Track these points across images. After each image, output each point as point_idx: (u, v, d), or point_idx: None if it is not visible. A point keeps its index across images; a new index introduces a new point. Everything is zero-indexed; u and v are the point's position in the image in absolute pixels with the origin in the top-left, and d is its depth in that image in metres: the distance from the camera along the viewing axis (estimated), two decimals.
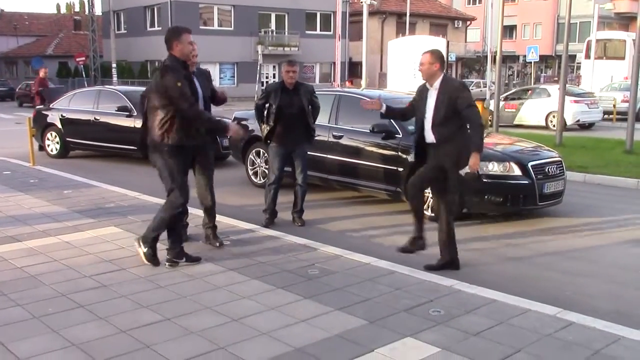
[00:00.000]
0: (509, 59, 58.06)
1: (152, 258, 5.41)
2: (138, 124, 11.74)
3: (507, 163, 7.49)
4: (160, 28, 39.35)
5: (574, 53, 41.45)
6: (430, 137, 5.66)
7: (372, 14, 42.91)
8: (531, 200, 7.56)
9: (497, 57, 15.52)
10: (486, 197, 7.43)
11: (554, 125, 19.56)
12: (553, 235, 7.17)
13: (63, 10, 78.09)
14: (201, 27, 38.04)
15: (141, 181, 9.91)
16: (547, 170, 7.70)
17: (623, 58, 28.40)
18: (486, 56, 24.06)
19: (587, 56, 29.82)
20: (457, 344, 3.88)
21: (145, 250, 5.40)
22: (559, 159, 8.13)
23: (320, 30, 43.34)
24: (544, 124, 19.79)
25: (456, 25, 53.49)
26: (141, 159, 12.30)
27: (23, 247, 5.95)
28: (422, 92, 5.80)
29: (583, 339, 3.96)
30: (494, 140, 8.76)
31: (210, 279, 5.07)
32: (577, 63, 42.45)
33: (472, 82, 40.48)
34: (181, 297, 4.65)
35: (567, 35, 14.46)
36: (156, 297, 4.62)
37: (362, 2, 20.05)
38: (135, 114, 11.91)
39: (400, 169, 7.83)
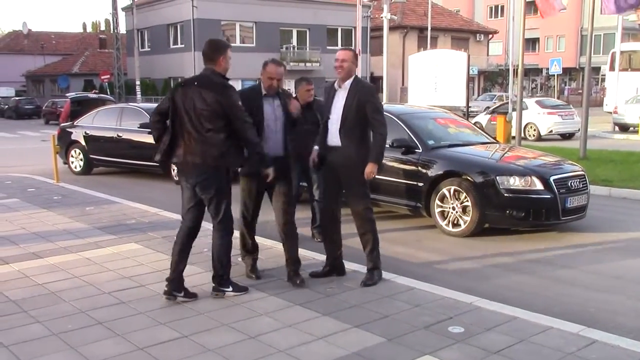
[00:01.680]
0: (532, 71, 57.71)
1: (239, 286, 5.15)
2: None
3: (529, 177, 7.39)
4: (183, 45, 39.86)
5: (599, 65, 41.10)
6: (334, 140, 5.46)
7: (393, 28, 42.97)
8: (554, 215, 7.44)
9: (519, 70, 15.39)
10: (508, 211, 7.32)
11: (530, 136, 21.37)
12: (576, 250, 7.04)
13: (89, 29, 79.46)
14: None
15: (162, 197, 9.98)
16: (569, 184, 7.58)
17: None
18: (509, 69, 23.91)
19: (612, 68, 29.48)
20: None
21: (230, 289, 5.07)
22: (582, 172, 8.00)
23: (342, 46, 43.47)
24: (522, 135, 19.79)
25: (478, 39, 53.30)
26: (162, 175, 12.64)
27: (44, 263, 6.01)
28: (329, 92, 5.63)
29: (607, 357, 3.87)
30: (516, 154, 8.70)
31: (227, 296, 5.06)
32: (602, 75, 42.05)
33: (495, 95, 40.27)
34: (199, 314, 4.64)
35: (590, 47, 14.34)
36: (174, 314, 4.62)
37: (382, 17, 20.09)
38: None
39: (421, 184, 7.79)
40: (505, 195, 7.29)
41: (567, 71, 53.56)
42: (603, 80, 39.05)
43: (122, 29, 44.49)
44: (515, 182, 7.35)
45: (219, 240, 5.01)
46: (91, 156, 13.34)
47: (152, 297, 5.03)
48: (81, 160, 13.50)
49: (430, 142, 8.11)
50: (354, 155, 5.39)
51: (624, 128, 24.62)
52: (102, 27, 75.39)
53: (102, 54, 53.13)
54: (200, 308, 4.76)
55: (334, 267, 5.67)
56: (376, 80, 43.20)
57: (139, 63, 37.33)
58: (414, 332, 4.30)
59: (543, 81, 59.47)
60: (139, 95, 36.11)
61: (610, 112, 25.98)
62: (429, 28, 39.17)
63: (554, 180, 7.44)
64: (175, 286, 4.92)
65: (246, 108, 5.10)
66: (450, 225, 7.61)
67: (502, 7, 59.35)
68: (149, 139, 12.55)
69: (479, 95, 42.43)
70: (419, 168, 7.86)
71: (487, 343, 4.10)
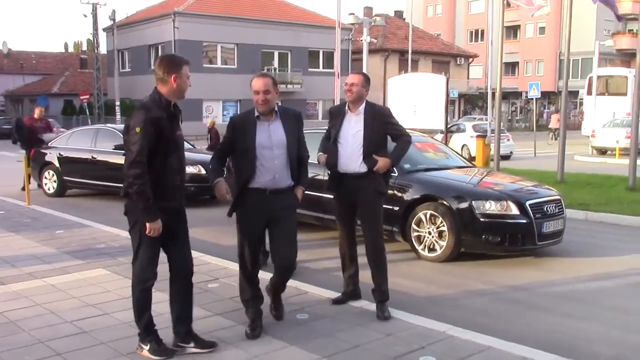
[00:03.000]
0: (511, 95, 58.33)
1: (160, 350, 4.27)
2: None
3: (505, 202, 7.33)
4: None
5: (577, 89, 41.62)
6: (353, 166, 5.22)
7: (374, 51, 43.30)
8: (530, 240, 7.38)
9: (497, 94, 15.48)
10: (484, 236, 7.25)
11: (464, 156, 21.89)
12: (553, 275, 6.97)
13: (71, 49, 79.24)
14: (205, 65, 38.43)
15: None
16: (545, 209, 7.54)
17: (625, 94, 28.36)
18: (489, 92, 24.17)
19: (589, 92, 29.88)
20: None
21: (147, 347, 4.26)
22: (558, 197, 7.97)
23: (323, 68, 43.66)
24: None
25: (458, 62, 53.88)
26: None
27: (7, 290, 5.80)
28: (337, 115, 5.40)
29: None
30: (493, 179, 8.65)
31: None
32: (580, 99, 42.57)
33: (475, 118, 40.57)
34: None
35: (566, 72, 14.46)
36: (136, 344, 4.45)
37: (362, 40, 20.16)
38: None
39: (396, 208, 7.68)
40: (481, 220, 7.22)
41: (546, 95, 54.21)
42: (581, 104, 39.54)
43: (103, 49, 44.35)
44: (491, 207, 7.29)
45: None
46: (65, 178, 13.10)
47: (115, 326, 4.86)
48: (54, 182, 13.26)
49: (406, 166, 7.99)
50: (378, 183, 5.25)
51: (602, 152, 24.86)
52: (84, 47, 75.17)
53: (82, 74, 52.84)
54: (163, 336, 4.59)
55: (354, 294, 5.52)
56: None
57: (119, 83, 37.17)
58: None
59: (522, 104, 60.12)
60: (118, 116, 35.88)
61: (588, 136, 26.25)
62: (410, 51, 39.46)
63: (530, 204, 7.38)
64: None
65: (235, 135, 4.67)
66: (427, 250, 7.52)
67: (482, 31, 60.09)
68: (123, 160, 12.43)
69: (459, 118, 42.68)
70: (395, 192, 7.74)
71: None
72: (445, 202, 7.43)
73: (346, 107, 5.35)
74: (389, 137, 5.44)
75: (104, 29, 44.56)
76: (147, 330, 4.29)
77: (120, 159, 12.16)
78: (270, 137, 4.63)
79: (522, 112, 60.20)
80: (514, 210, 7.30)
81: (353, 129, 5.25)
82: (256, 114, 4.70)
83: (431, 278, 6.81)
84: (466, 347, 4.45)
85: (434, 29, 63.31)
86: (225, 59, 41.00)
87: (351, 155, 5.23)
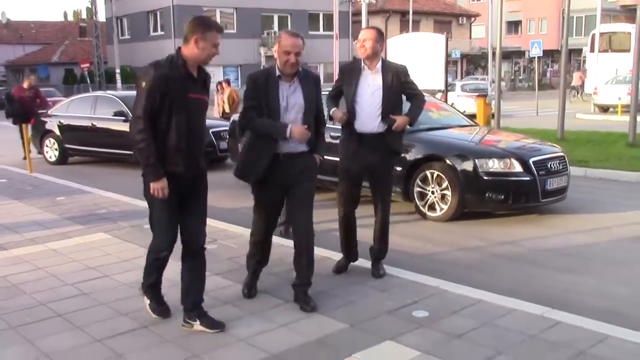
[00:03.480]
0: (514, 54, 57.73)
1: (158, 310, 4.29)
2: None
3: (508, 159, 7.32)
4: (163, 33, 39.46)
5: (580, 47, 41.20)
6: (371, 126, 5.03)
7: (375, 12, 42.82)
8: (533, 197, 7.38)
9: (497, 54, 15.35)
10: (487, 195, 7.24)
11: None
12: (550, 231, 7.03)
13: (70, 17, 78.41)
14: None
15: (136, 186, 9.83)
16: (549, 166, 7.52)
17: (628, 50, 27.99)
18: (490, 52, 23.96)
19: (592, 49, 29.58)
20: (438, 346, 3.79)
21: (148, 302, 4.30)
22: (562, 154, 7.95)
23: (324, 31, 43.25)
24: None
25: (460, 22, 53.27)
26: (137, 163, 12.40)
27: (9, 255, 5.89)
28: (353, 74, 5.13)
29: (568, 338, 3.85)
30: (496, 137, 8.63)
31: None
32: (583, 57, 42.12)
33: (478, 78, 40.28)
34: None
35: (567, 28, 14.31)
36: (137, 305, 4.53)
37: (361, 1, 19.96)
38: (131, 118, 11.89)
39: (399, 168, 7.57)
40: (485, 178, 7.22)
41: (549, 53, 53.64)
42: (584, 62, 39.13)
43: (102, 17, 44.00)
44: (495, 165, 7.28)
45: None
46: (66, 146, 13.16)
47: (115, 287, 4.95)
48: (56, 150, 13.33)
49: (408, 126, 7.97)
50: (397, 138, 5.15)
51: (604, 109, 24.73)
52: (84, 16, 74.36)
53: (82, 43, 52.42)
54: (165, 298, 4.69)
55: (354, 258, 5.42)
56: None
57: (119, 51, 36.92)
58: (378, 318, 4.26)
59: (525, 63, 59.57)
60: (119, 84, 35.75)
61: (591, 94, 26.08)
62: (411, 12, 39.01)
63: (533, 162, 7.37)
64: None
65: (254, 95, 4.40)
66: (430, 209, 7.54)
67: None
68: (124, 127, 12.48)
69: (462, 78, 42.37)
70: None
71: (450, 327, 4.07)
72: (448, 161, 7.40)
73: (362, 64, 5.09)
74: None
75: None
76: (150, 289, 4.25)
77: (119, 126, 12.30)
78: (289, 99, 4.40)
79: (525, 71, 59.69)
80: (518, 167, 7.29)
81: (371, 87, 5.04)
82: (277, 73, 4.38)
83: (429, 236, 6.89)
84: (458, 301, 4.53)
85: None
86: (224, 24, 40.53)
87: (370, 114, 5.03)
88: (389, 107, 5.03)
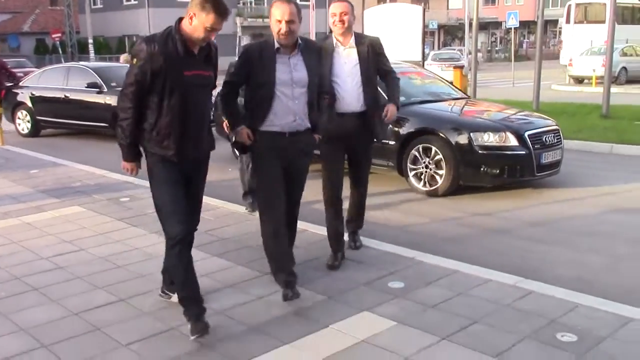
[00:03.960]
0: (491, 25, 57.78)
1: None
2: (109, 100, 11.66)
3: (503, 133, 7.23)
4: (137, 2, 38.77)
5: (556, 18, 41.34)
6: (354, 105, 4.72)
7: None
8: (529, 171, 7.32)
9: (474, 24, 15.36)
10: (482, 168, 7.16)
11: None
12: (526, 203, 7.11)
13: None
14: (179, 0, 37.43)
15: (111, 158, 9.73)
16: (544, 139, 7.46)
17: (603, 22, 28.17)
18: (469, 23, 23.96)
19: (568, 21, 29.69)
20: (413, 316, 3.84)
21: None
22: (556, 127, 7.89)
23: (300, 0, 42.80)
24: None
25: None
26: (112, 136, 12.30)
27: None
28: (324, 53, 4.63)
29: (540, 307, 3.92)
30: (490, 110, 8.45)
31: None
32: (559, 28, 42.29)
33: (455, 49, 40.33)
34: (138, 277, 4.57)
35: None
36: (113, 278, 4.53)
37: None
38: (105, 90, 11.71)
39: (392, 143, 7.53)
40: (480, 152, 7.14)
41: (526, 24, 53.77)
42: (560, 33, 39.29)
43: None
44: (490, 139, 7.19)
45: None
46: (38, 118, 12.94)
47: (91, 261, 4.93)
48: (28, 122, 13.10)
49: (401, 99, 7.82)
50: (383, 128, 4.98)
51: (579, 80, 24.93)
52: None
53: (53, 12, 51.26)
54: (141, 270, 4.68)
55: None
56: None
57: (92, 20, 36.20)
58: (355, 289, 4.30)
59: (502, 34, 59.66)
60: (92, 54, 35.12)
61: (566, 65, 26.25)
62: None
63: (528, 135, 7.30)
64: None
65: (240, 71, 4.08)
66: (424, 184, 7.45)
67: None
68: (97, 99, 12.32)
69: (439, 49, 42.32)
70: (390, 126, 7.50)
71: (425, 297, 4.13)
72: (442, 135, 7.29)
73: (334, 41, 4.75)
74: None
75: None
76: (190, 302, 3.65)
77: (93, 97, 12.12)
78: (292, 73, 4.06)
79: (502, 42, 59.81)
80: (513, 141, 7.22)
81: (348, 64, 4.72)
82: (276, 45, 4.05)
83: (412, 209, 6.92)
84: (433, 272, 4.58)
85: None
86: None
87: (352, 93, 4.72)
88: (369, 82, 4.79)
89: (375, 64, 4.85)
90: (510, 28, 25.82)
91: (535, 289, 4.22)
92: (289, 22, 3.98)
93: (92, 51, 35.58)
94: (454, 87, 9.40)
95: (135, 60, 3.49)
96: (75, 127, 12.69)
